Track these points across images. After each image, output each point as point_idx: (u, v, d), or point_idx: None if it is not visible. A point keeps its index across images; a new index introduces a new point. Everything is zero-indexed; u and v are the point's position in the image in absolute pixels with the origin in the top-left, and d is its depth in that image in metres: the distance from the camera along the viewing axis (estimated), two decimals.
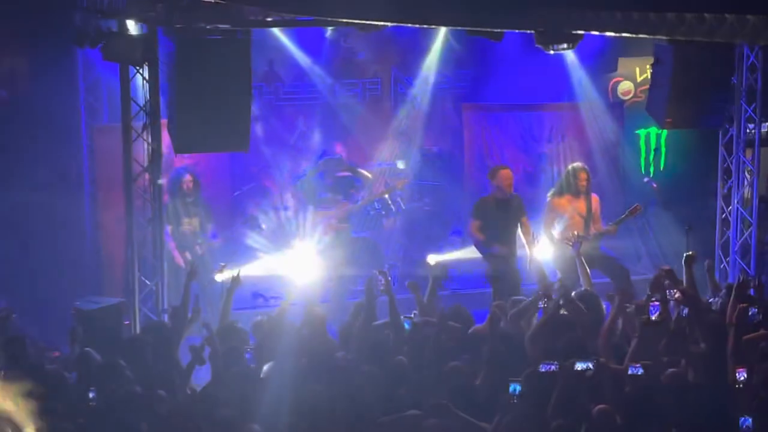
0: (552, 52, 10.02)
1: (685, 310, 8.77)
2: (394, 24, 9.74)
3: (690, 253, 9.48)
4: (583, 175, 11.71)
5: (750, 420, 6.90)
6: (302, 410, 7.41)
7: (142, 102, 10.37)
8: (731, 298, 8.81)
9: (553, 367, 7.64)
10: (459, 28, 10.54)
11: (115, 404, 7.32)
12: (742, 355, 7.97)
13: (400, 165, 14.27)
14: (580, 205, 11.65)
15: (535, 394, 7.46)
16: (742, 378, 7.52)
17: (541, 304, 9.04)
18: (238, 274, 9.40)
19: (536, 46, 9.95)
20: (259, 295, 12.59)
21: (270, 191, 14.03)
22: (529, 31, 9.51)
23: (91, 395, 7.40)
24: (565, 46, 9.86)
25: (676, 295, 8.90)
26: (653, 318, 8.58)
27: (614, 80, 14.86)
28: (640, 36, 10.27)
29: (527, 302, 9.19)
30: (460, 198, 14.27)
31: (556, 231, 11.62)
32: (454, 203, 14.41)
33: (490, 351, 8.21)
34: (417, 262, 13.06)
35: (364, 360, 8.37)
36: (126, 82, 10.22)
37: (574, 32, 9.47)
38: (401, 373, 8.10)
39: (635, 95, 14.78)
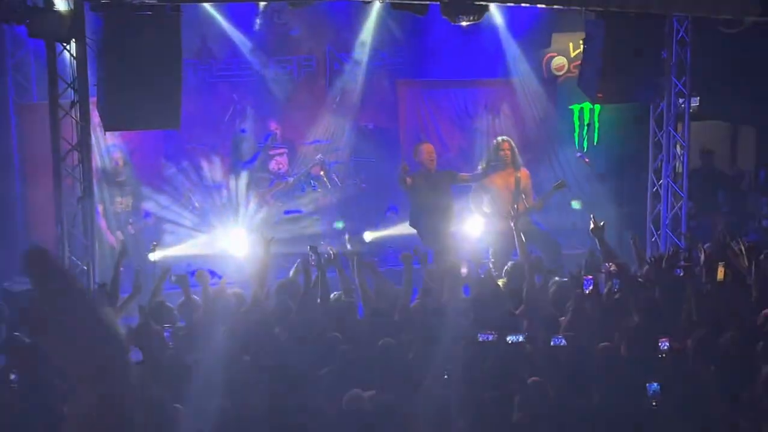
0: (464, 24, 10.02)
1: (617, 283, 8.89)
2: None
3: (593, 223, 9.67)
4: (506, 146, 11.79)
5: (657, 385, 7.07)
6: (233, 391, 7.39)
7: (70, 79, 10.19)
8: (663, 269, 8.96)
9: (491, 337, 7.73)
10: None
11: (38, 387, 7.22)
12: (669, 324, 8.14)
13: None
14: (509, 179, 11.73)
15: (473, 363, 7.52)
16: (664, 347, 7.66)
17: (482, 273, 9.16)
18: (123, 247, 9.53)
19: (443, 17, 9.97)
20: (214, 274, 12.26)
21: (204, 169, 13.89)
22: (435, 2, 9.47)
23: (12, 377, 7.29)
24: (471, 18, 9.86)
25: (612, 268, 9.03)
26: (587, 292, 8.72)
27: (548, 56, 14.89)
28: (573, 8, 10.32)
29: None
30: (395, 174, 14.24)
31: (486, 206, 11.68)
32: (389, 180, 14.38)
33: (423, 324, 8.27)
34: (353, 238, 13.04)
35: (298, 339, 8.35)
36: (53, 59, 10.02)
37: (478, 3, 9.44)
38: (335, 350, 8.09)
39: (569, 71, 14.83)
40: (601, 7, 10.88)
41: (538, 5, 10.45)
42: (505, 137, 12.03)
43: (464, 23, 9.37)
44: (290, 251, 12.39)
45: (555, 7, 11.11)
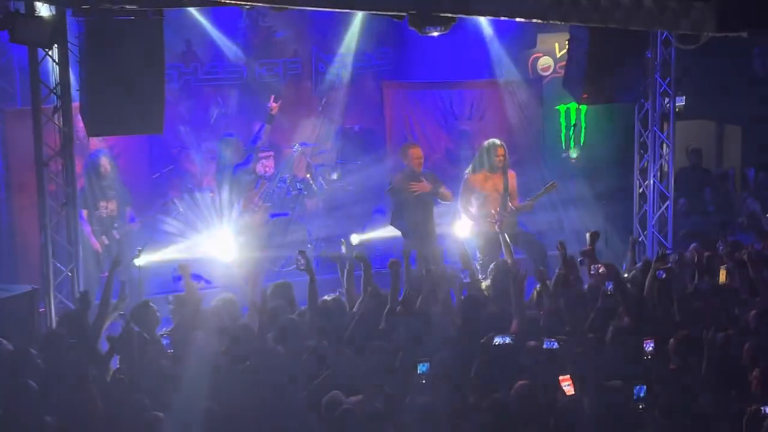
0: (435, 34, 9.97)
1: (610, 285, 8.85)
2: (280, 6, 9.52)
3: (594, 231, 9.71)
4: (501, 151, 11.72)
5: (644, 388, 7.10)
6: (219, 396, 7.37)
7: (52, 85, 10.16)
8: (650, 272, 8.95)
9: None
10: (327, 9, 10.29)
11: (20, 394, 7.18)
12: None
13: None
14: (497, 181, 11.69)
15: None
16: (649, 349, 7.67)
17: (466, 279, 9.14)
18: (117, 258, 9.46)
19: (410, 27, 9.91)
20: (200, 277, 12.07)
21: (190, 173, 13.85)
22: (400, 14, 9.41)
23: None
24: (438, 29, 9.82)
25: (600, 270, 9.01)
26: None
27: (534, 56, 14.90)
28: (551, 23, 10.21)
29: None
30: (382, 176, 14.20)
31: (474, 208, 11.65)
32: (376, 182, 14.33)
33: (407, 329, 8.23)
34: (340, 241, 13.00)
35: (283, 343, 8.30)
36: (35, 65, 10.03)
37: (444, 15, 9.39)
38: (322, 354, 8.05)
39: (555, 71, 14.83)
40: (580, 23, 10.82)
41: (517, 20, 10.37)
42: (498, 141, 11.93)
43: (434, 33, 9.32)
44: (277, 255, 12.46)
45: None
